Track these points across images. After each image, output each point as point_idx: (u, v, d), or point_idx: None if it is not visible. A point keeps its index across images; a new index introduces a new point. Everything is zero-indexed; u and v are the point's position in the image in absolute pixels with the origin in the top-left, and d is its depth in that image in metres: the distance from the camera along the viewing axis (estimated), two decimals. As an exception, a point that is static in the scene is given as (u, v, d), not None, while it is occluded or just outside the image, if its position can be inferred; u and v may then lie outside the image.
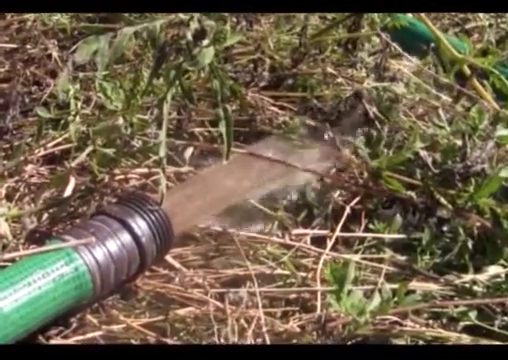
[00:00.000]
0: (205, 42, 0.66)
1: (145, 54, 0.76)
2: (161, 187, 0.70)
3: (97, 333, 0.67)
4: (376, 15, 0.93)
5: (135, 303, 0.70)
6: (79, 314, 0.68)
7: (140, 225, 0.69)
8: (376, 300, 0.67)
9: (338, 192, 0.80)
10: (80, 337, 0.67)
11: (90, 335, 0.67)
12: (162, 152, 0.70)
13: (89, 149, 0.69)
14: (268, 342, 0.66)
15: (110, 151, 0.70)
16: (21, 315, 0.62)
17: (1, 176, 0.70)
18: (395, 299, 0.68)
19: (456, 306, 0.70)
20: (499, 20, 1.09)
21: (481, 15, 1.07)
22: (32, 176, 0.75)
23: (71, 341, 0.66)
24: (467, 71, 0.88)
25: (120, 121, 0.70)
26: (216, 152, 0.81)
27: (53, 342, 0.66)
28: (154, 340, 0.67)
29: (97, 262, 0.66)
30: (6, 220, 0.69)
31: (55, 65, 0.88)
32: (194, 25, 0.66)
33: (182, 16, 0.70)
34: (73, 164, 0.69)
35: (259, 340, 0.67)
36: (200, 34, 0.67)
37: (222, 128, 0.70)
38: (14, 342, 0.62)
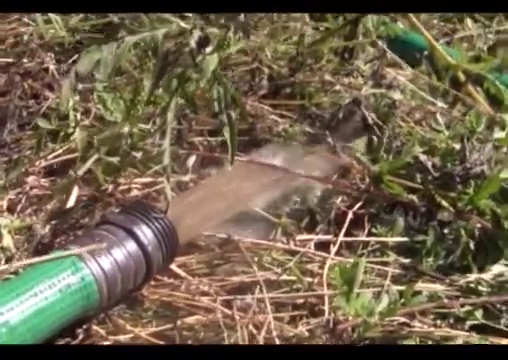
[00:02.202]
0: (209, 49, 0.67)
1: (145, 64, 0.77)
2: (166, 195, 0.70)
3: (105, 343, 0.67)
4: (370, 24, 0.94)
5: (142, 313, 0.70)
6: (85, 325, 0.68)
7: (146, 233, 0.69)
8: (384, 301, 0.67)
9: (340, 198, 0.80)
10: (88, 347, 0.66)
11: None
12: (166, 160, 0.70)
13: (94, 157, 0.69)
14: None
15: (115, 159, 0.70)
16: (28, 327, 0.62)
17: (2, 188, 0.70)
18: (402, 301, 0.69)
19: (462, 305, 0.70)
20: (486, 30, 1.11)
21: (470, 24, 1.08)
22: (33, 188, 0.75)
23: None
24: (462, 77, 0.89)
25: (125, 129, 0.70)
26: (216, 161, 0.81)
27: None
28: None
29: (103, 271, 0.66)
30: (9, 232, 0.69)
31: (52, 78, 0.88)
32: (197, 33, 0.67)
33: (184, 25, 0.71)
34: (79, 172, 0.69)
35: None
36: (204, 41, 0.67)
37: (226, 134, 0.70)
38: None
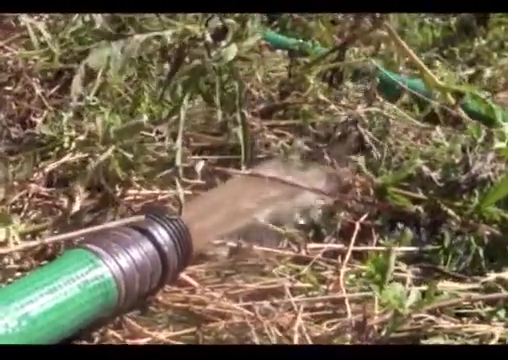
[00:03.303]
0: (226, 41, 0.66)
1: (148, 70, 0.75)
2: (179, 196, 0.68)
3: (123, 347, 0.62)
4: (352, 55, 0.96)
5: (157, 318, 0.66)
6: (101, 329, 0.63)
7: (161, 234, 0.66)
8: (413, 295, 0.65)
9: (344, 211, 0.79)
10: (107, 351, 0.62)
11: (117, 349, 0.62)
12: (178, 161, 0.68)
13: (112, 148, 0.66)
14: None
15: (129, 156, 0.67)
16: (49, 321, 0.58)
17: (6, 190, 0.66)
18: (425, 300, 0.67)
19: (485, 305, 0.69)
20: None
21: (438, 65, 1.11)
22: (35, 195, 0.71)
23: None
24: (451, 99, 0.90)
25: (144, 118, 0.68)
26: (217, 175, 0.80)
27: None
28: (187, 349, 0.62)
29: (122, 269, 0.63)
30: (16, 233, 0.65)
31: (39, 102, 0.85)
32: (214, 24, 0.66)
33: (190, 27, 0.70)
34: (101, 158, 0.66)
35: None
36: (220, 33, 0.66)
37: (239, 133, 0.69)
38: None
